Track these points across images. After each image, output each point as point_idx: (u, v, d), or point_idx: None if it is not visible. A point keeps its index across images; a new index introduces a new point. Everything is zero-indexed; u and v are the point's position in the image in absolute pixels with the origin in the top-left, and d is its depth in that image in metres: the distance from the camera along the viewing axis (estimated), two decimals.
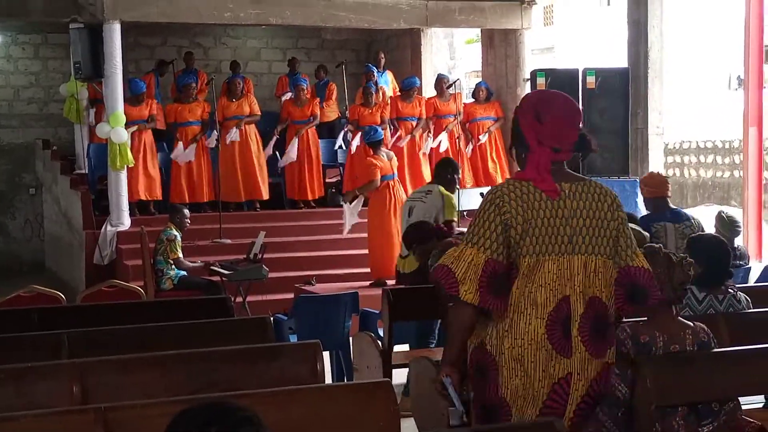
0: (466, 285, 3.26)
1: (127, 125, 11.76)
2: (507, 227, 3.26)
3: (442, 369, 3.42)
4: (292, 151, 12.94)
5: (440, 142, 13.21)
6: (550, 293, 3.29)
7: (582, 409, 3.37)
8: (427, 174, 13.26)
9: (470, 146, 13.54)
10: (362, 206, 10.93)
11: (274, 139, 13.20)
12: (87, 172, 13.13)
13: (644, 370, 3.64)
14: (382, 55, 14.64)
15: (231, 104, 12.73)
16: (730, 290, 4.91)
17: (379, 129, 11.16)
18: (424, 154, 13.22)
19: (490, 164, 13.69)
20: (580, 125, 3.39)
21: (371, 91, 13.05)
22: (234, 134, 12.50)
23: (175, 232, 9.87)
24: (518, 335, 3.29)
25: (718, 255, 4.79)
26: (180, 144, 12.38)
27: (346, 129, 13.33)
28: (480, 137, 13.54)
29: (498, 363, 3.33)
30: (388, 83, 14.34)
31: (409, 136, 13.02)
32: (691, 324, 3.84)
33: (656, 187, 7.38)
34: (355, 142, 12.74)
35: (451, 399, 3.37)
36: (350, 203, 11.02)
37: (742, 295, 4.95)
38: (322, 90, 14.50)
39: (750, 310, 4.95)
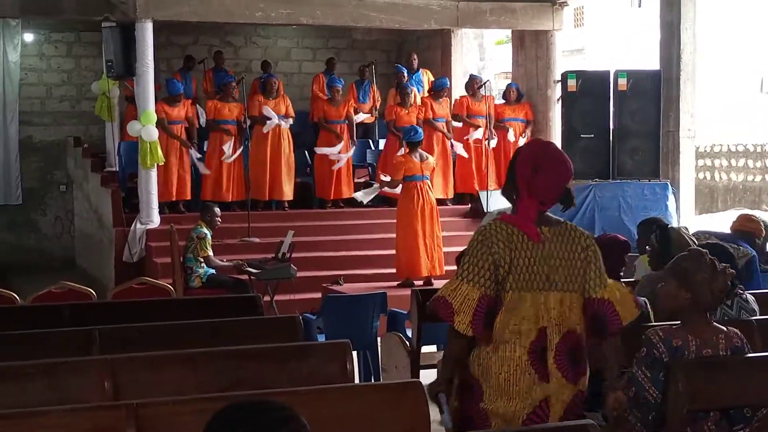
0: (461, 316, 3.61)
1: (170, 125, 11.88)
2: (497, 266, 3.60)
3: (438, 386, 3.76)
4: (341, 161, 12.94)
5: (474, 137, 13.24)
6: (532, 324, 3.62)
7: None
8: (451, 176, 13.25)
9: (495, 140, 13.43)
10: (392, 207, 10.94)
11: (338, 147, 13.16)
12: (117, 169, 13.22)
13: (676, 374, 3.62)
14: (415, 56, 14.62)
15: (268, 102, 12.76)
16: (738, 291, 4.89)
17: (420, 129, 11.16)
18: (459, 155, 13.22)
19: None
20: (569, 180, 3.74)
21: (407, 91, 13.03)
22: (272, 121, 12.53)
23: (205, 230, 9.90)
24: (505, 361, 3.63)
25: (725, 261, 4.75)
26: (226, 145, 12.39)
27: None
28: (508, 133, 13.49)
29: (483, 384, 3.67)
30: (421, 84, 14.32)
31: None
32: (725, 329, 3.81)
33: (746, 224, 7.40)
34: (387, 143, 12.74)
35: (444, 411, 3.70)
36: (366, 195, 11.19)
37: (749, 296, 4.94)
38: (365, 91, 14.45)
39: None
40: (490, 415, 3.64)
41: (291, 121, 12.91)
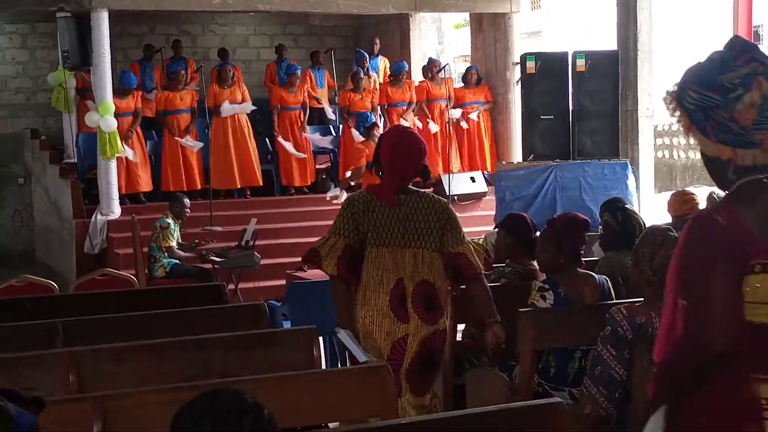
0: (327, 260, 4.40)
1: (118, 117, 11.76)
2: (357, 223, 4.38)
3: (340, 328, 4.39)
4: (290, 147, 12.93)
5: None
6: (391, 275, 4.37)
7: (416, 362, 4.40)
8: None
9: (464, 122, 13.50)
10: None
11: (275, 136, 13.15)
12: (76, 161, 13.07)
13: (641, 351, 3.65)
14: (377, 41, 14.60)
15: (223, 91, 12.69)
16: None
17: (370, 114, 11.15)
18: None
19: (478, 147, 13.70)
20: (425, 159, 4.52)
21: (360, 76, 13.03)
22: (228, 108, 12.46)
23: (169, 220, 9.84)
24: (370, 307, 4.39)
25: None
26: (180, 140, 12.33)
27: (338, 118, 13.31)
28: (470, 114, 13.54)
29: (364, 324, 4.40)
30: (377, 69, 14.32)
31: (402, 120, 13.02)
32: None
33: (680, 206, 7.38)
34: (344, 129, 12.75)
35: (350, 348, 4.30)
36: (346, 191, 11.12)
37: None
38: (321, 76, 14.43)
39: None
40: (368, 351, 4.31)
41: (250, 106, 12.85)
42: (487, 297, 4.53)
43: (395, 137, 4.58)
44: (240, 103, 12.70)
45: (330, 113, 13.97)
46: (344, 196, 11.04)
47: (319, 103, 14.01)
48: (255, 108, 12.97)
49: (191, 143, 12.35)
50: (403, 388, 4.37)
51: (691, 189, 8.33)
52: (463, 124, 13.36)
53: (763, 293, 2.41)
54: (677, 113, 2.59)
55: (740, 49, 2.52)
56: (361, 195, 4.52)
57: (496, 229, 6.04)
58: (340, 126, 13.43)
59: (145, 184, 12.38)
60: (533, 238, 5.38)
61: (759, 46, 2.58)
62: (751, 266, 2.41)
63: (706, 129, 2.51)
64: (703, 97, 2.50)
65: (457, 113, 13.38)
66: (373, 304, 4.38)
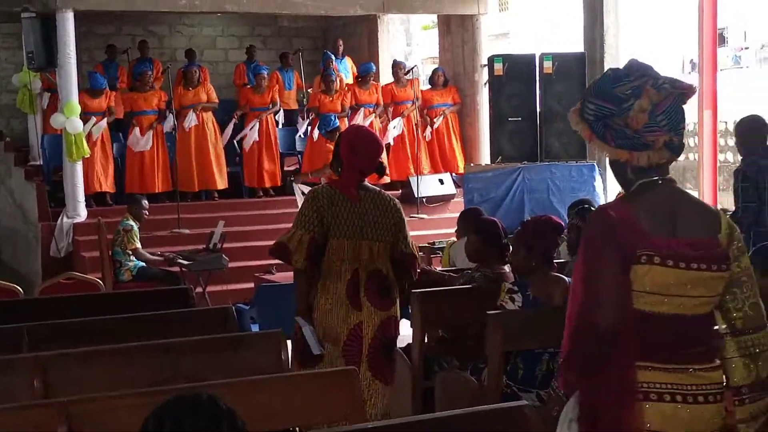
0: (297, 255, 4.61)
1: (86, 116, 11.65)
2: (321, 216, 4.61)
3: (298, 319, 4.68)
4: (253, 133, 12.89)
5: (394, 127, 13.23)
6: (349, 265, 4.65)
7: (373, 347, 4.67)
8: (385, 162, 13.27)
9: (428, 130, 13.56)
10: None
11: (233, 123, 13.09)
12: (41, 163, 12.96)
13: None
14: (341, 42, 14.60)
15: (188, 93, 12.64)
16: None
17: (334, 117, 11.16)
18: (387, 144, 13.24)
19: (447, 149, 13.73)
20: (382, 156, 4.88)
21: (332, 78, 13.00)
22: (191, 119, 12.40)
23: (131, 223, 9.78)
24: (329, 295, 4.65)
25: None
26: (136, 130, 12.26)
27: (310, 117, 13.25)
28: (435, 120, 13.56)
29: (316, 313, 4.67)
30: (347, 70, 14.31)
31: (367, 121, 13.02)
32: None
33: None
34: (314, 129, 12.72)
35: (306, 339, 4.61)
36: (301, 184, 11.07)
37: None
38: (290, 78, 14.40)
39: None
40: (325, 339, 4.63)
41: (215, 106, 12.82)
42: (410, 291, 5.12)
43: (353, 136, 4.87)
44: (206, 103, 12.64)
45: (300, 119, 13.91)
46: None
47: (289, 105, 13.99)
48: (216, 106, 12.90)
49: (138, 143, 12.25)
50: (364, 377, 4.59)
51: None
52: (398, 131, 13.33)
53: (648, 283, 2.67)
54: (579, 126, 2.85)
55: (635, 67, 2.82)
56: (325, 189, 4.77)
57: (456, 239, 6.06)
58: (308, 127, 13.41)
59: (110, 185, 12.28)
60: (503, 242, 5.40)
61: (653, 67, 2.85)
62: (638, 257, 2.66)
63: (606, 136, 2.79)
64: (600, 108, 2.78)
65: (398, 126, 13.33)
66: (332, 292, 4.66)
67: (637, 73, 2.80)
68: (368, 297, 4.68)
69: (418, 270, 4.97)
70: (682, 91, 2.79)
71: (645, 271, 2.67)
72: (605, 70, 10.94)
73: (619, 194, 3.06)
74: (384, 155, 5.11)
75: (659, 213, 2.74)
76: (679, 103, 2.79)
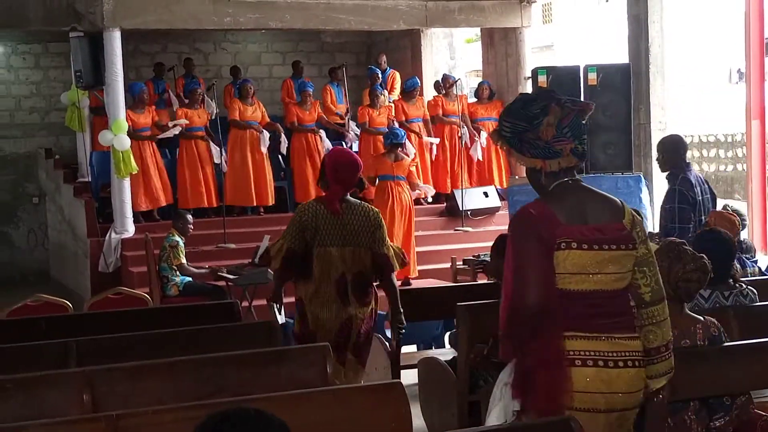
0: (275, 261, 5.51)
1: (136, 132, 11.82)
2: (303, 229, 5.39)
3: (272, 300, 5.61)
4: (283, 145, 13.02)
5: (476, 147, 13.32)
6: (335, 270, 5.40)
7: (359, 337, 5.50)
8: (427, 175, 13.27)
9: (477, 145, 13.49)
10: None
11: (283, 139, 13.14)
12: (90, 180, 13.13)
13: None
14: (384, 58, 14.63)
15: (248, 108, 12.73)
16: (737, 285, 4.88)
17: (402, 132, 11.16)
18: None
19: (493, 162, 13.69)
20: (359, 173, 5.51)
21: (377, 93, 13.02)
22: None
23: (177, 238, 9.85)
24: (321, 295, 5.40)
25: (721, 251, 4.72)
26: (213, 147, 12.40)
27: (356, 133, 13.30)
28: (480, 139, 13.50)
29: (307, 310, 5.44)
30: (385, 85, 14.31)
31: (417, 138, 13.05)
32: (702, 318, 3.83)
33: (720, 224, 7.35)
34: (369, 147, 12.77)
35: (275, 314, 5.55)
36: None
37: (749, 290, 4.91)
38: (339, 91, 14.47)
39: (758, 303, 4.93)
40: (318, 333, 5.34)
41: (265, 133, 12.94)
42: (395, 291, 5.69)
43: (336, 157, 5.67)
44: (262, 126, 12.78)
45: (353, 128, 13.92)
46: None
47: (342, 119, 14.00)
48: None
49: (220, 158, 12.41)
50: (348, 360, 5.47)
51: (733, 205, 8.26)
52: (434, 141, 13.34)
53: (569, 265, 3.20)
54: (499, 142, 3.42)
55: (542, 92, 3.53)
56: (310, 205, 5.55)
57: None
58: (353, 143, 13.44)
59: (163, 200, 12.41)
60: None
61: (556, 91, 3.45)
62: (557, 244, 3.19)
63: (521, 148, 3.34)
64: (515, 126, 3.34)
65: (465, 134, 13.36)
66: (323, 292, 5.41)
67: (544, 95, 3.39)
68: (354, 295, 5.46)
69: (396, 267, 5.63)
70: (581, 108, 3.34)
71: (565, 255, 3.19)
72: (650, 80, 10.84)
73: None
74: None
75: (571, 206, 3.27)
76: (579, 118, 3.34)
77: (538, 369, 3.17)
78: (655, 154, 11.39)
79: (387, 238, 5.61)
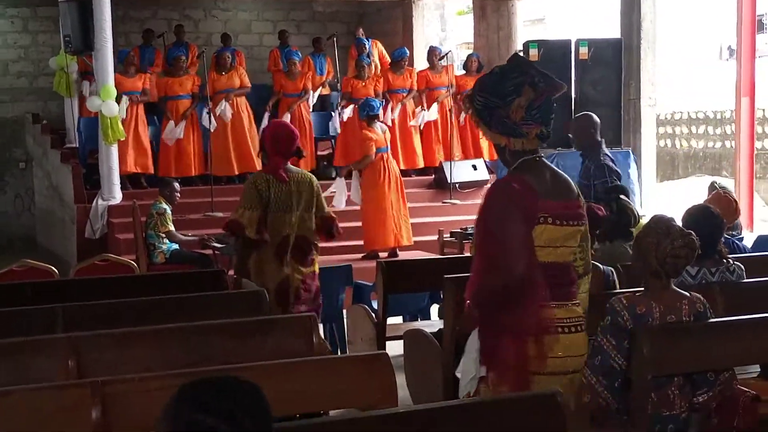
0: (249, 228, 5.83)
1: (121, 95, 11.74)
2: (261, 196, 5.84)
3: (239, 275, 5.90)
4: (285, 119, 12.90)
5: (429, 113, 13.20)
6: (279, 233, 5.88)
7: (299, 296, 5.95)
8: (418, 146, 13.25)
9: (463, 116, 13.51)
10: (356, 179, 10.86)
11: (267, 114, 13.12)
12: (77, 146, 13.06)
13: (641, 341, 3.64)
14: (361, 31, 14.53)
15: (221, 77, 12.65)
16: (724, 261, 4.90)
17: (377, 102, 11.09)
18: (415, 127, 13.21)
19: (479, 135, 13.67)
20: (297, 143, 5.98)
21: (364, 64, 12.97)
22: (225, 108, 12.42)
23: (164, 206, 9.82)
24: (264, 256, 5.87)
25: (708, 226, 4.73)
26: (171, 123, 12.31)
27: (342, 105, 13.20)
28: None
29: (252, 269, 5.88)
30: (371, 55, 14.26)
31: (400, 105, 12.98)
32: (688, 294, 3.84)
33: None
34: (347, 113, 12.70)
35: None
36: (344, 177, 11.03)
37: (735, 266, 4.93)
38: (322, 63, 14.42)
39: (744, 280, 4.95)
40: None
41: (247, 91, 12.84)
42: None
43: (274, 129, 6.18)
44: (238, 89, 12.66)
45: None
46: (341, 201, 10.91)
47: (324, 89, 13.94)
48: (248, 91, 12.90)
49: (171, 134, 12.29)
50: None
51: (720, 182, 8.20)
52: (432, 117, 13.27)
53: (545, 238, 3.36)
54: (470, 111, 3.51)
55: (518, 65, 3.46)
56: (260, 175, 6.02)
57: None
58: (340, 113, 13.40)
59: (146, 167, 12.34)
60: None
61: (534, 64, 3.54)
62: (537, 218, 3.32)
63: (490, 123, 3.44)
64: (487, 100, 3.42)
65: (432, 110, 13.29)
66: (265, 253, 5.88)
67: (520, 70, 3.42)
68: (292, 257, 5.93)
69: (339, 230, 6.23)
70: (554, 88, 3.45)
71: (542, 230, 3.34)
72: (641, 56, 10.84)
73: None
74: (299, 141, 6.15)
75: (544, 182, 3.41)
76: (550, 100, 3.45)
77: (511, 336, 3.34)
78: (644, 129, 11.45)
79: (325, 203, 6.19)
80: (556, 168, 3.57)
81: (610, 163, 7.17)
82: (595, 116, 7.33)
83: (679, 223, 3.95)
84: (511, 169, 3.49)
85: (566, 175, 3.57)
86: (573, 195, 3.49)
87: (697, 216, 4.84)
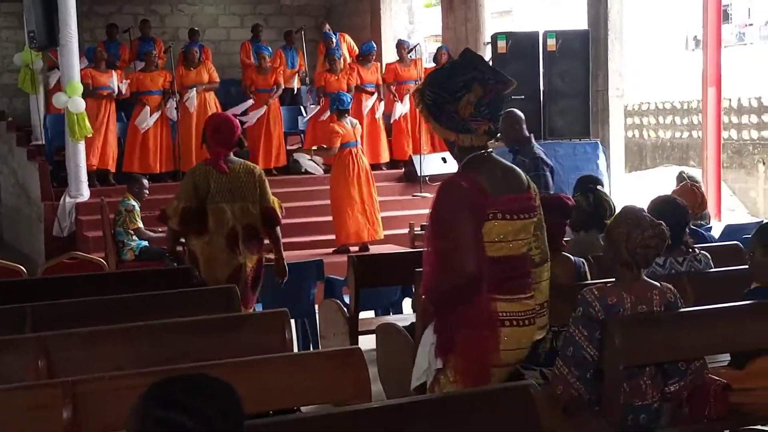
0: (172, 219, 6.01)
1: (96, 90, 11.65)
2: (197, 188, 5.95)
3: (170, 256, 6.35)
4: (255, 116, 12.86)
5: (402, 106, 13.19)
6: (227, 223, 5.98)
7: (251, 279, 6.10)
8: (384, 141, 13.23)
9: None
10: (325, 174, 10.86)
11: (250, 101, 13.03)
12: (44, 143, 12.93)
13: (612, 331, 3.66)
14: (327, 25, 14.50)
15: (189, 73, 12.59)
16: (690, 250, 4.94)
17: (348, 97, 11.05)
18: (395, 120, 13.23)
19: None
20: (238, 134, 6.10)
21: (335, 57, 12.93)
22: (192, 98, 12.35)
23: (132, 202, 9.76)
24: (213, 246, 5.98)
25: (674, 217, 4.75)
26: (146, 109, 12.21)
27: (313, 98, 13.14)
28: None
29: (200, 261, 5.99)
30: (339, 49, 14.23)
31: (372, 99, 12.96)
32: (658, 285, 3.86)
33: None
34: (319, 109, 12.66)
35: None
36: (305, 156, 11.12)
37: (702, 255, 4.97)
38: (293, 56, 14.38)
39: (712, 270, 4.99)
40: (208, 280, 5.84)
41: (216, 86, 12.80)
42: (278, 240, 6.28)
43: (215, 121, 6.22)
44: (207, 83, 12.62)
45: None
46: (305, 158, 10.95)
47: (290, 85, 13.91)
48: (217, 86, 12.86)
49: (145, 122, 12.21)
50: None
51: (688, 172, 8.21)
52: (403, 111, 13.28)
53: (494, 234, 3.38)
54: (420, 106, 3.51)
55: (468, 60, 3.50)
56: (201, 166, 6.11)
57: None
58: (309, 107, 13.36)
59: (112, 164, 12.25)
60: None
61: (484, 58, 3.54)
62: (487, 215, 3.35)
63: (439, 118, 3.46)
64: (437, 95, 3.43)
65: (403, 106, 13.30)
66: (215, 243, 5.97)
67: (470, 66, 3.45)
68: (244, 245, 6.04)
69: (281, 218, 6.25)
70: (503, 85, 3.45)
71: (492, 226, 3.36)
72: (608, 47, 10.86)
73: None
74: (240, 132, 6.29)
75: (493, 178, 3.42)
76: (499, 97, 3.46)
77: (466, 331, 3.39)
78: (612, 120, 11.51)
79: (269, 193, 6.20)
80: (505, 162, 3.61)
81: (543, 156, 7.23)
82: (518, 112, 7.31)
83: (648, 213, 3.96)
84: (460, 166, 3.51)
85: (517, 169, 3.60)
86: (523, 187, 3.50)
87: (662, 207, 4.87)
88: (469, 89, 3.38)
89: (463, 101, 3.37)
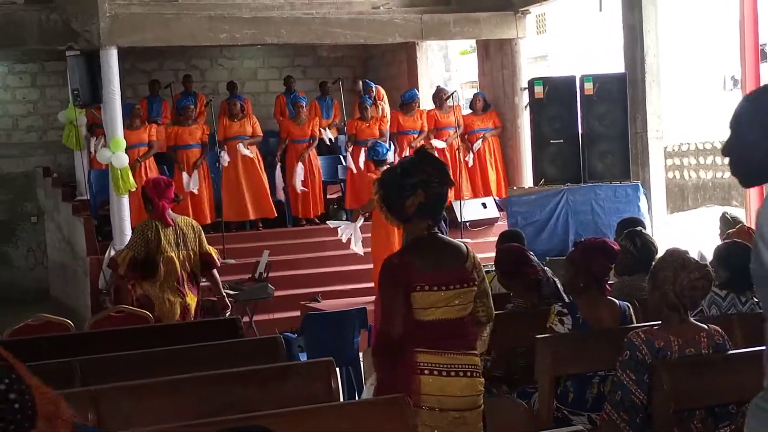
0: (121, 267, 6.99)
1: (127, 149, 11.81)
2: (147, 241, 6.93)
3: (104, 292, 7.99)
4: (299, 175, 12.98)
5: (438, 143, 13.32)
6: (175, 270, 6.96)
7: (194, 318, 7.06)
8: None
9: (471, 156, 13.59)
10: (365, 221, 10.86)
11: (278, 167, 13.22)
12: (88, 198, 13.12)
13: (661, 375, 3.63)
14: (361, 83, 14.64)
15: (233, 124, 12.76)
16: (755, 298, 4.89)
17: (383, 147, 11.10)
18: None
19: (490, 173, 13.72)
20: (173, 190, 7.09)
21: (366, 105, 13.07)
22: (225, 157, 12.52)
23: None
24: (165, 290, 6.97)
25: (744, 257, 4.72)
26: (184, 174, 12.38)
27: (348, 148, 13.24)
28: (473, 146, 13.58)
29: (155, 303, 6.95)
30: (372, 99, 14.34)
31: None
32: (706, 327, 3.83)
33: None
34: (359, 158, 12.73)
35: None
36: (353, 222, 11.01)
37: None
38: (328, 106, 14.53)
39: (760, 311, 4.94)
40: (163, 320, 6.73)
41: (260, 140, 12.95)
42: (218, 281, 7.42)
43: (153, 182, 7.14)
44: (251, 137, 12.80)
45: (327, 139, 14.00)
46: (350, 234, 10.79)
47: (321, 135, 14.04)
48: (260, 140, 13.03)
49: (192, 185, 12.39)
50: None
51: (731, 212, 8.20)
52: (441, 145, 13.38)
53: (422, 303, 3.92)
54: (376, 196, 4.05)
55: (418, 163, 3.99)
56: (150, 223, 6.99)
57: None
58: (346, 156, 13.44)
59: None
60: (524, 270, 5.37)
61: (435, 158, 4.15)
62: (414, 287, 3.91)
63: (391, 210, 4.00)
64: (388, 193, 4.00)
65: (440, 144, 13.38)
66: (167, 287, 6.93)
67: (418, 169, 3.93)
68: (189, 287, 7.04)
69: (218, 261, 7.32)
70: (447, 188, 3.98)
71: (420, 296, 3.90)
72: (646, 89, 10.80)
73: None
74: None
75: (427, 255, 3.95)
76: (441, 199, 3.99)
77: (395, 378, 3.92)
78: (652, 162, 11.46)
79: (206, 243, 7.24)
80: (449, 240, 4.13)
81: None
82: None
83: (694, 255, 3.95)
84: (403, 245, 4.11)
85: (458, 245, 4.11)
86: (456, 263, 4.00)
87: (729, 250, 4.87)
88: (414, 193, 3.90)
89: (408, 202, 3.90)
